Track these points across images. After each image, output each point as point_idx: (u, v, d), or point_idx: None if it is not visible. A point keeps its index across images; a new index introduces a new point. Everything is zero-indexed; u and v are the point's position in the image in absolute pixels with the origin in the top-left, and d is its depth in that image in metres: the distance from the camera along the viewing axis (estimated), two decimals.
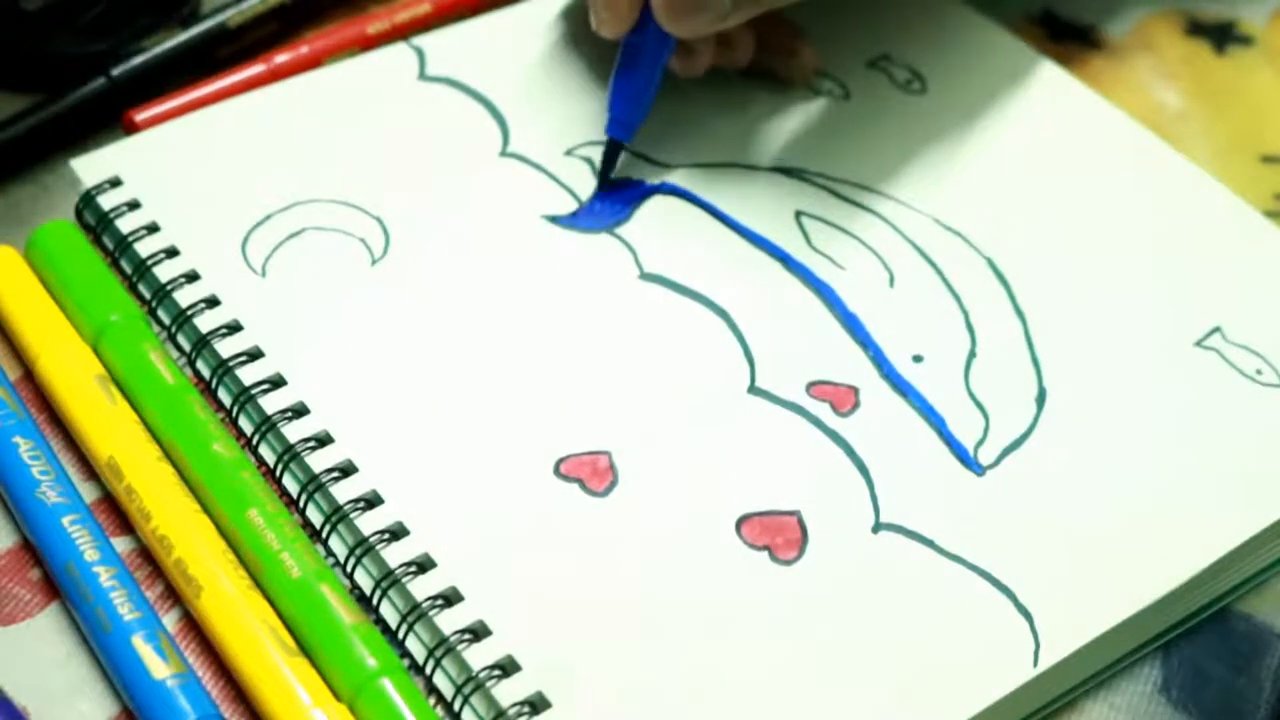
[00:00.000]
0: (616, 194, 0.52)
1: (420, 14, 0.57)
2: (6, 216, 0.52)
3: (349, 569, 0.43)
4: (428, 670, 0.42)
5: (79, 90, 0.54)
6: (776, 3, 0.50)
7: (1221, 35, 0.61)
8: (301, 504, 0.44)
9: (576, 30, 0.56)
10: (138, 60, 0.55)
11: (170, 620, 0.43)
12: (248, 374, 0.46)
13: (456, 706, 0.41)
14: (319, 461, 0.44)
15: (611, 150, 0.52)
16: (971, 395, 0.48)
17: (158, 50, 0.55)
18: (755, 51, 0.54)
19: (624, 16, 0.50)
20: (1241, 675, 0.45)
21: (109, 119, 0.54)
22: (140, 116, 0.53)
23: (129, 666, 0.41)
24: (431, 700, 0.41)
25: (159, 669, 0.41)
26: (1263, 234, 0.53)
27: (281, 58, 0.55)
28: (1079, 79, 0.57)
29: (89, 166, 0.51)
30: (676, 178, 0.53)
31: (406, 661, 0.42)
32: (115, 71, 0.54)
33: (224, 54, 0.56)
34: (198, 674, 0.42)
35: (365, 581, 0.43)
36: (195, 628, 0.43)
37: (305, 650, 0.42)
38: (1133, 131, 0.55)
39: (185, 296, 0.48)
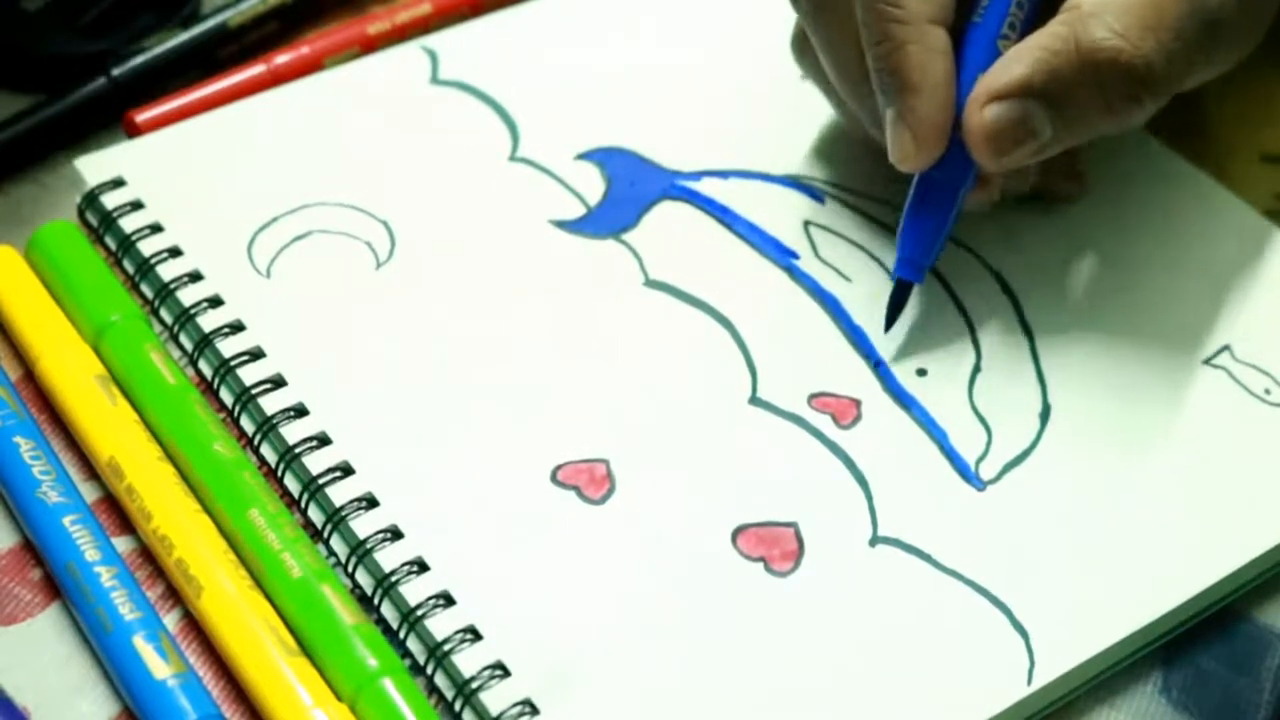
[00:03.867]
0: (624, 199, 0.54)
1: (421, 14, 0.60)
2: (7, 216, 0.54)
3: (350, 569, 0.45)
4: (429, 670, 0.44)
5: (79, 90, 0.56)
6: (1100, 130, 0.50)
7: None
8: (303, 504, 0.46)
9: (594, 34, 0.59)
10: (138, 60, 0.57)
11: (171, 620, 0.45)
12: (249, 374, 0.48)
13: (457, 707, 0.43)
14: (320, 462, 0.46)
15: (900, 293, 0.51)
16: (975, 410, 0.50)
17: (158, 50, 0.57)
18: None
19: (933, 150, 0.49)
20: (1242, 675, 0.47)
21: (109, 119, 0.56)
22: (141, 117, 0.55)
23: (130, 666, 0.43)
24: (432, 700, 0.43)
25: (160, 669, 0.42)
26: (1265, 236, 0.54)
27: (282, 58, 0.58)
28: None
29: (93, 166, 0.53)
30: (684, 185, 0.55)
31: (407, 662, 0.44)
32: (116, 71, 0.56)
33: (224, 54, 0.58)
34: (198, 674, 0.43)
35: (366, 582, 0.45)
36: (196, 627, 0.45)
37: (306, 650, 0.43)
38: (1134, 133, 0.56)
39: (188, 296, 0.50)
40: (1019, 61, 0.49)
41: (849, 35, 0.50)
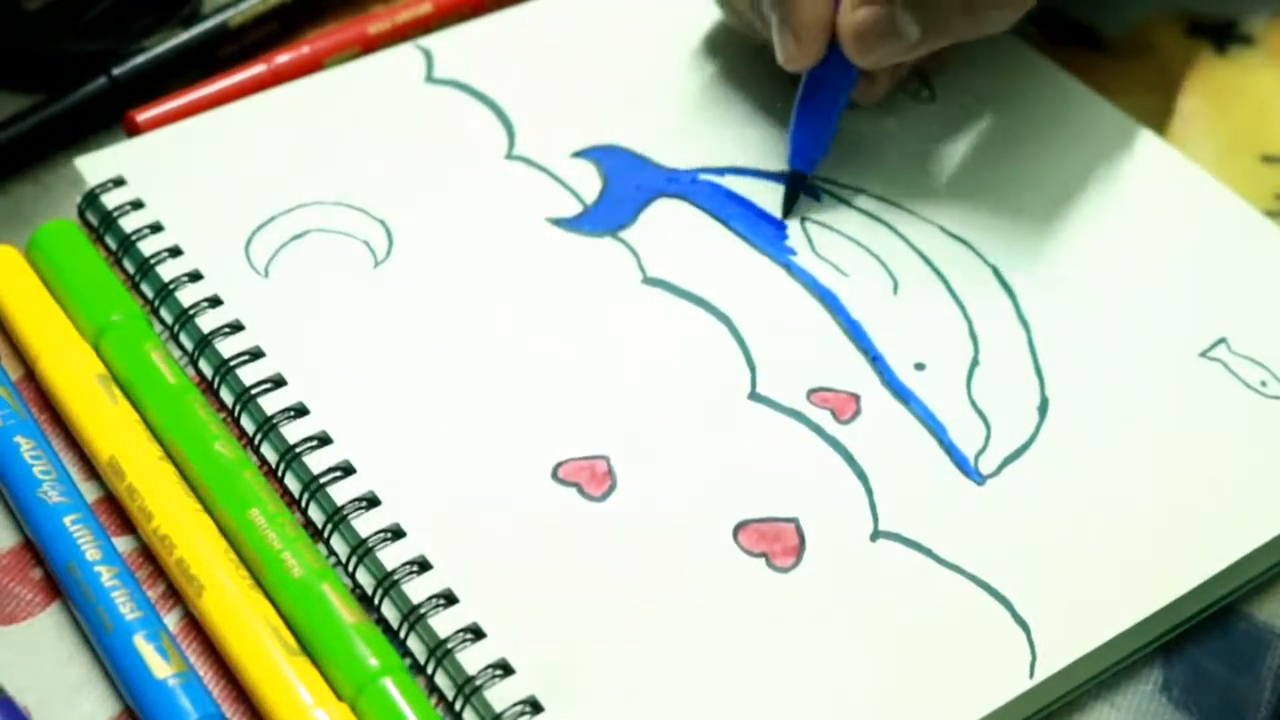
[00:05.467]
0: (621, 197, 0.54)
1: (421, 14, 0.59)
2: (8, 216, 0.53)
3: (350, 568, 0.45)
4: (429, 670, 0.43)
5: (80, 90, 0.55)
6: (964, 35, 0.52)
7: (1222, 35, 0.63)
8: (303, 503, 0.46)
9: (589, 32, 0.58)
10: (139, 60, 0.56)
11: (172, 620, 0.44)
12: (249, 374, 0.48)
13: (458, 706, 0.42)
14: (320, 461, 0.46)
15: (794, 183, 0.54)
16: (973, 404, 0.49)
17: (158, 50, 0.57)
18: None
19: (813, 50, 0.52)
20: (1242, 675, 0.46)
21: (110, 119, 0.55)
22: (141, 117, 0.54)
23: (130, 666, 0.42)
24: (433, 700, 0.43)
25: (160, 668, 0.42)
26: (1264, 235, 0.54)
27: (282, 58, 0.57)
28: (1080, 80, 0.58)
29: (93, 165, 0.52)
30: (681, 182, 0.54)
31: (408, 661, 0.43)
32: (116, 71, 0.56)
33: (225, 54, 0.58)
34: (199, 673, 0.43)
35: (367, 581, 0.45)
36: (197, 627, 0.44)
37: (307, 650, 0.43)
38: (1135, 133, 0.57)
39: (188, 296, 0.49)
40: None
41: None
